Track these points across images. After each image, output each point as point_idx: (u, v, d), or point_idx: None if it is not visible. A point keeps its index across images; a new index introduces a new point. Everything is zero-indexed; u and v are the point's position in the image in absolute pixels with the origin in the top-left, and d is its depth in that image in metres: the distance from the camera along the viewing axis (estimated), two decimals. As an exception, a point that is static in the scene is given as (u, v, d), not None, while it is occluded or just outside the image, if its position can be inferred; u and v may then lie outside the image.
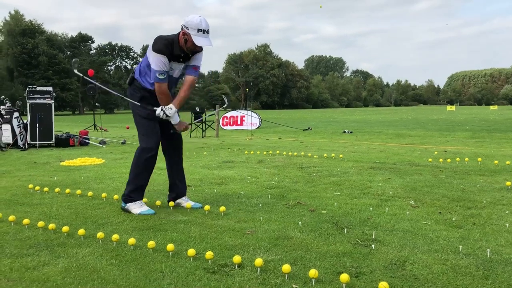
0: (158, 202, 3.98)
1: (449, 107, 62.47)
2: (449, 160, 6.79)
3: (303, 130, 16.49)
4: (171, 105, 3.70)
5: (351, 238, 2.98)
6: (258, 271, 2.38)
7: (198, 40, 3.53)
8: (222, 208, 3.69)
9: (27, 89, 10.42)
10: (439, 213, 3.62)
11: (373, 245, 2.81)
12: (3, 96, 11.16)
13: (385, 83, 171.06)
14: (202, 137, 13.77)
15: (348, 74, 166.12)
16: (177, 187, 4.05)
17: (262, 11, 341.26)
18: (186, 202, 3.97)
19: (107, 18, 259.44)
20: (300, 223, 3.34)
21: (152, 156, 3.81)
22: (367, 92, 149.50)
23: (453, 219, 3.44)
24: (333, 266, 2.47)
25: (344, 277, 2.16)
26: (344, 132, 14.68)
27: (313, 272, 2.23)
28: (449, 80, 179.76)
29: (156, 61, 3.58)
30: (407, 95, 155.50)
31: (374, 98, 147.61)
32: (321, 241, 2.93)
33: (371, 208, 3.81)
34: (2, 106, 10.33)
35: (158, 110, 3.67)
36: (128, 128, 20.30)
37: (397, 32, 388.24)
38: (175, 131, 3.89)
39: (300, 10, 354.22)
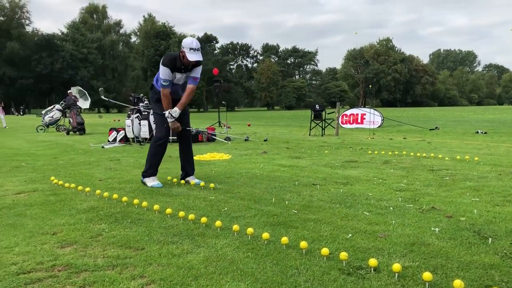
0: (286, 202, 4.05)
1: None
2: None
3: (430, 129, 15.54)
4: (175, 108, 4.85)
5: (498, 249, 2.74)
6: (396, 276, 2.30)
7: (190, 56, 4.64)
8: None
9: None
10: None
11: (525, 260, 2.54)
12: (141, 94, 12.25)
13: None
14: (322, 135, 13.71)
15: (479, 69, 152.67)
16: (186, 169, 5.24)
17: (386, 3, 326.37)
18: (192, 179, 5.13)
19: (231, 19, 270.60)
20: (437, 229, 3.16)
21: (162, 143, 5.00)
22: (501, 88, 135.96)
23: None
24: (480, 278, 2.29)
25: (496, 292, 1.99)
26: (477, 132, 13.52)
27: (458, 283, 2.09)
28: None
29: (162, 71, 4.75)
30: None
31: (510, 95, 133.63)
32: (463, 250, 2.73)
33: (518, 218, 3.45)
34: (141, 104, 11.35)
35: (166, 113, 4.84)
36: (249, 125, 21.03)
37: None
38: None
39: (429, 1, 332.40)
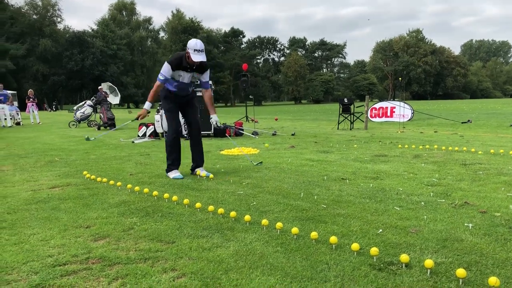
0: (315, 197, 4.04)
1: None
2: None
3: (462, 122, 15.16)
4: (214, 115, 5.37)
5: (535, 246, 2.65)
6: (428, 272, 2.27)
7: (194, 57, 4.88)
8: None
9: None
10: None
11: None
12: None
13: None
14: (350, 129, 13.57)
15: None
16: (196, 160, 5.46)
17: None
18: (201, 171, 5.31)
19: (258, 12, 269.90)
20: (470, 225, 3.09)
21: (175, 137, 5.29)
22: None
23: None
24: (516, 276, 2.23)
25: (533, 290, 1.93)
26: (512, 125, 13.11)
27: (493, 280, 2.04)
28: None
29: (164, 67, 5.05)
30: None
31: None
32: (498, 246, 2.66)
33: (556, 214, 3.34)
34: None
35: (214, 123, 5.40)
36: (276, 119, 20.99)
37: None
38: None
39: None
